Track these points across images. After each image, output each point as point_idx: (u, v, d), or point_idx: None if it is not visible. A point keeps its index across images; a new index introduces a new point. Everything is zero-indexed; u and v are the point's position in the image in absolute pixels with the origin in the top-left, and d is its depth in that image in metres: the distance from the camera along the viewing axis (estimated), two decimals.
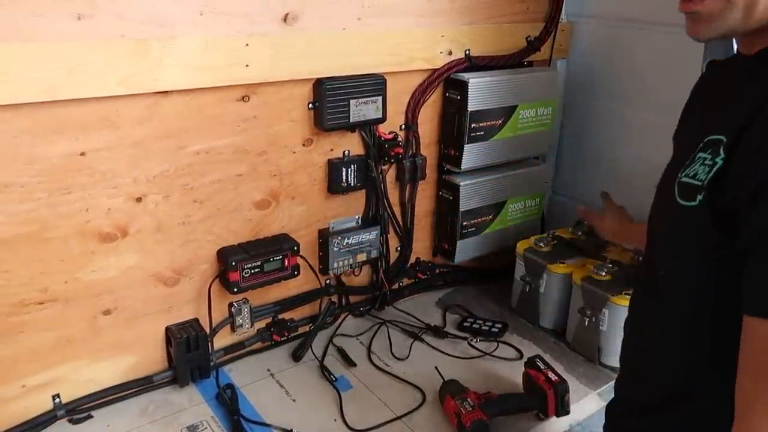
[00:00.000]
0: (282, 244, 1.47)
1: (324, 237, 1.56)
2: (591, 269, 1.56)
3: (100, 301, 1.30)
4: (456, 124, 1.64)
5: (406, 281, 1.82)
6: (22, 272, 1.19)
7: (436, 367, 1.46)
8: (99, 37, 1.13)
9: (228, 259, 1.39)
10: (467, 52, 1.63)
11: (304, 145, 1.48)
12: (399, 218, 1.72)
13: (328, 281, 1.64)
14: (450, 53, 1.61)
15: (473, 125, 1.63)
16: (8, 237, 1.16)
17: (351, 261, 1.62)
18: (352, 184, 1.56)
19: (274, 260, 1.44)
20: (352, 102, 1.45)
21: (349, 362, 1.52)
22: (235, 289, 1.41)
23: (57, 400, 1.30)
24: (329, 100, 1.42)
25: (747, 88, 0.83)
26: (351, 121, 1.47)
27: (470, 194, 1.72)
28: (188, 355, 1.39)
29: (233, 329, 1.50)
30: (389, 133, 1.59)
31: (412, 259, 1.80)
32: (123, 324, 1.35)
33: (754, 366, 0.75)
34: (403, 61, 1.53)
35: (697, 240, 0.83)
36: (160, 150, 1.28)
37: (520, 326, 1.69)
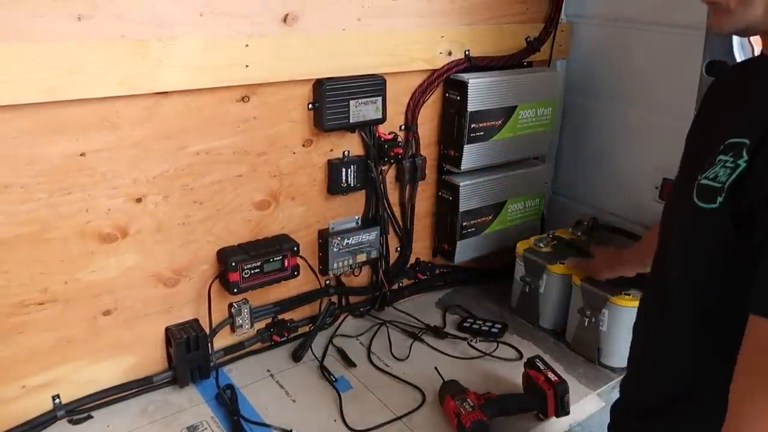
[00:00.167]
0: (282, 245, 1.47)
1: (324, 237, 1.56)
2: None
3: (100, 302, 1.30)
4: (456, 125, 1.64)
5: (405, 282, 1.82)
6: (22, 273, 1.19)
7: (435, 368, 1.46)
8: (99, 38, 1.13)
9: (228, 259, 1.39)
10: (467, 52, 1.64)
11: (304, 145, 1.48)
12: (399, 219, 1.72)
13: (327, 282, 1.64)
14: (450, 54, 1.61)
15: (473, 126, 1.63)
16: (8, 237, 1.16)
17: (351, 261, 1.62)
18: (352, 185, 1.56)
19: (273, 261, 1.44)
20: (351, 102, 1.45)
21: (349, 363, 1.52)
22: (235, 290, 1.41)
23: (57, 400, 1.30)
24: (329, 101, 1.42)
25: None
26: (351, 121, 1.47)
27: (470, 194, 1.72)
28: (188, 356, 1.39)
29: (233, 330, 1.50)
30: (389, 134, 1.59)
31: (412, 260, 1.80)
32: (123, 324, 1.35)
33: (749, 364, 0.75)
34: (402, 62, 1.53)
35: (713, 242, 0.83)
36: (160, 150, 1.28)
37: (519, 326, 1.69)
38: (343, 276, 1.66)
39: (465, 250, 1.78)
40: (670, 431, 0.95)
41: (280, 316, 1.57)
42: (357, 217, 1.63)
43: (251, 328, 1.52)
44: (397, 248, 1.75)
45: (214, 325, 1.44)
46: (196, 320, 1.44)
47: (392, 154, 1.59)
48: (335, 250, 1.57)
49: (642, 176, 1.73)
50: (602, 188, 1.86)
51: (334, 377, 1.46)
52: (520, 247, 1.73)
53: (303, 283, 1.57)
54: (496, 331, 1.64)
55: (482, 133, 1.66)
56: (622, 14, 1.72)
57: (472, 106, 1.61)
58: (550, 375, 1.32)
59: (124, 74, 1.16)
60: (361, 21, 1.44)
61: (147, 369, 1.41)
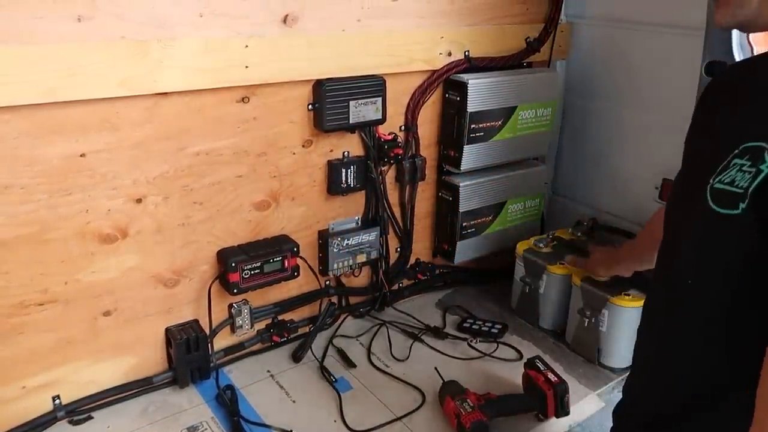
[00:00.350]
0: (282, 245, 1.47)
1: (324, 238, 1.56)
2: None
3: (100, 303, 1.30)
4: (455, 125, 1.64)
5: (405, 282, 1.82)
6: (22, 273, 1.19)
7: (435, 368, 1.46)
8: (99, 39, 1.13)
9: (228, 260, 1.39)
10: (467, 53, 1.64)
11: (303, 146, 1.48)
12: (399, 219, 1.72)
13: (327, 282, 1.64)
14: (449, 54, 1.61)
15: (473, 126, 1.63)
16: (8, 238, 1.16)
17: (351, 262, 1.62)
18: (352, 185, 1.56)
19: (273, 261, 1.44)
20: (351, 103, 1.45)
21: (349, 363, 1.52)
22: (235, 290, 1.41)
23: (57, 401, 1.30)
24: (329, 101, 1.42)
25: None
26: (351, 122, 1.47)
27: (470, 195, 1.72)
28: (188, 356, 1.39)
29: (233, 330, 1.50)
30: (389, 134, 1.59)
31: (412, 260, 1.80)
32: (123, 325, 1.35)
33: None
34: (402, 62, 1.53)
35: (734, 247, 0.81)
36: (160, 151, 1.28)
37: (519, 327, 1.69)
38: (343, 276, 1.67)
39: (465, 251, 1.78)
40: None
41: (280, 317, 1.57)
42: (357, 218, 1.63)
43: (251, 328, 1.52)
44: (397, 249, 1.75)
45: (214, 326, 1.44)
46: (196, 321, 1.44)
47: (392, 154, 1.59)
48: (335, 250, 1.57)
49: (642, 177, 1.73)
50: (602, 189, 1.86)
51: (334, 378, 1.46)
52: (520, 247, 1.73)
53: (303, 283, 1.58)
54: (496, 331, 1.64)
55: (482, 133, 1.66)
56: (621, 15, 1.73)
57: (471, 107, 1.61)
58: (550, 375, 1.33)
59: (124, 75, 1.16)
60: (360, 22, 1.44)
61: (147, 370, 1.41)
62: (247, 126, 1.38)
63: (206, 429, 1.30)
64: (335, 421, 1.34)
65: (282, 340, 1.56)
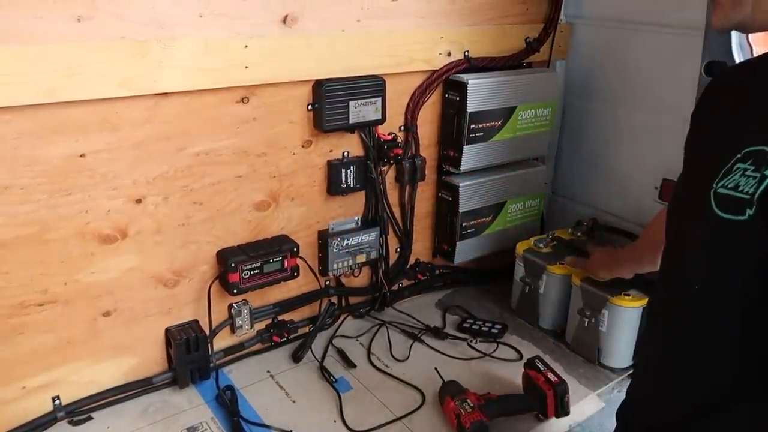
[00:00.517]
0: (281, 246, 1.47)
1: (323, 238, 1.56)
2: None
3: (99, 303, 1.30)
4: (455, 125, 1.64)
5: (405, 282, 1.82)
6: (22, 274, 1.19)
7: (435, 368, 1.46)
8: (99, 39, 1.13)
9: (228, 260, 1.39)
10: (466, 53, 1.64)
11: (303, 146, 1.48)
12: (398, 219, 1.72)
13: (327, 282, 1.64)
14: (449, 54, 1.61)
15: (472, 126, 1.63)
16: (8, 238, 1.16)
17: (350, 262, 1.62)
18: (352, 186, 1.56)
19: (273, 261, 1.44)
20: (351, 103, 1.45)
21: (349, 363, 1.52)
22: (235, 291, 1.41)
23: (57, 401, 1.30)
24: (329, 102, 1.42)
25: None
26: (350, 122, 1.47)
27: (470, 195, 1.72)
28: (188, 357, 1.39)
29: (233, 330, 1.50)
30: (388, 135, 1.59)
31: (412, 260, 1.80)
32: (123, 325, 1.35)
33: None
34: (402, 63, 1.53)
35: (743, 253, 0.80)
36: (160, 151, 1.28)
37: (519, 327, 1.69)
38: (342, 277, 1.67)
39: (465, 251, 1.78)
40: None
41: (280, 317, 1.57)
42: (357, 218, 1.63)
43: (251, 328, 1.52)
44: (396, 249, 1.75)
45: (214, 326, 1.44)
46: (195, 321, 1.44)
47: (392, 154, 1.59)
48: (335, 250, 1.57)
49: (641, 177, 1.73)
50: (602, 189, 1.86)
51: (333, 378, 1.46)
52: (520, 247, 1.73)
53: (303, 283, 1.57)
54: (495, 331, 1.64)
55: (482, 133, 1.66)
56: (621, 15, 1.73)
57: (471, 107, 1.61)
58: (550, 375, 1.33)
59: (124, 75, 1.16)
60: (360, 22, 1.45)
61: (147, 370, 1.41)
62: (246, 126, 1.38)
63: (206, 429, 1.30)
64: (335, 421, 1.34)
65: (282, 340, 1.56)
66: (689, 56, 1.51)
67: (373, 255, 1.65)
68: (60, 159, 1.17)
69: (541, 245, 1.71)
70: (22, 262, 1.19)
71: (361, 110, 1.47)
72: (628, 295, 1.46)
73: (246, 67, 1.29)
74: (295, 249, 1.48)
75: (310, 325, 1.61)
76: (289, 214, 1.52)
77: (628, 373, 1.50)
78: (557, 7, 1.76)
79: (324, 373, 1.48)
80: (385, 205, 1.65)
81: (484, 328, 1.65)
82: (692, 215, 0.89)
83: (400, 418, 1.34)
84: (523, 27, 1.74)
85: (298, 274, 1.51)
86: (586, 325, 1.53)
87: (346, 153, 1.54)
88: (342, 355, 1.55)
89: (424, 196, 1.75)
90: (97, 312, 1.31)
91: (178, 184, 1.33)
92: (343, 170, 1.53)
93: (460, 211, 1.71)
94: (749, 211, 0.77)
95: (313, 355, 1.55)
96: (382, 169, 1.62)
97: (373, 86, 1.48)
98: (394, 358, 1.55)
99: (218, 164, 1.36)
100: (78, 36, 1.11)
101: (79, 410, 1.32)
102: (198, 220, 1.38)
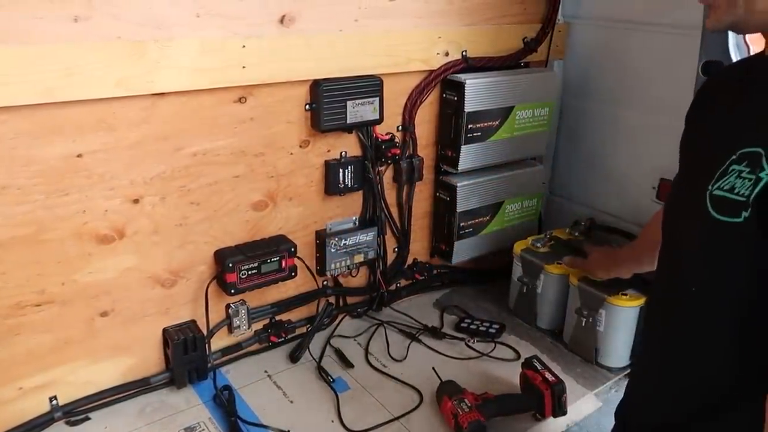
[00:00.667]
0: (279, 246, 1.47)
1: (321, 238, 1.56)
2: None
3: (97, 303, 1.30)
4: (453, 125, 1.64)
5: (403, 282, 1.82)
6: (19, 274, 1.19)
7: (433, 368, 1.47)
8: (96, 39, 1.13)
9: (225, 260, 1.39)
10: (464, 53, 1.64)
11: (301, 146, 1.48)
12: (396, 219, 1.72)
13: (325, 282, 1.64)
14: (447, 54, 1.61)
15: (470, 126, 1.63)
16: (5, 239, 1.16)
17: (348, 262, 1.62)
18: (350, 186, 1.56)
19: (271, 262, 1.44)
20: (349, 103, 1.45)
21: (347, 363, 1.52)
22: (233, 291, 1.41)
23: (54, 401, 1.30)
24: (326, 102, 1.42)
25: None
26: (348, 122, 1.47)
27: (467, 195, 1.72)
28: (185, 357, 1.39)
29: (230, 331, 1.50)
30: (386, 134, 1.59)
31: (410, 260, 1.80)
32: (120, 326, 1.35)
33: None
34: (400, 63, 1.53)
35: (740, 255, 0.81)
36: (157, 152, 1.28)
37: (517, 327, 1.69)
38: (340, 277, 1.66)
39: (462, 251, 1.78)
40: None
41: (277, 317, 1.57)
42: (354, 218, 1.63)
43: (249, 329, 1.52)
44: (394, 249, 1.75)
45: (211, 326, 1.44)
46: (193, 321, 1.44)
47: (389, 154, 1.59)
48: (333, 250, 1.57)
49: (639, 176, 1.73)
50: (599, 188, 1.86)
51: (331, 378, 1.46)
52: (518, 247, 1.73)
53: (300, 283, 1.57)
54: (493, 331, 1.64)
55: (479, 133, 1.66)
56: (618, 15, 1.73)
57: (469, 107, 1.61)
58: (548, 375, 1.33)
59: (120, 75, 1.16)
60: (358, 22, 1.44)
61: (144, 370, 1.41)
62: (244, 126, 1.37)
63: (204, 429, 1.30)
64: (333, 421, 1.34)
65: (279, 340, 1.56)
66: (686, 56, 1.52)
67: (371, 255, 1.65)
68: (57, 159, 1.17)
69: (538, 245, 1.72)
70: (19, 263, 1.18)
71: (359, 110, 1.47)
72: (626, 294, 1.46)
73: (243, 67, 1.29)
74: (292, 249, 1.48)
75: (308, 325, 1.61)
76: (287, 214, 1.51)
77: (626, 372, 1.50)
78: (555, 7, 1.76)
79: (322, 373, 1.48)
80: (383, 205, 1.65)
81: (481, 328, 1.65)
82: (688, 217, 0.89)
83: (397, 418, 1.34)
84: (521, 27, 1.74)
85: (296, 274, 1.51)
86: (583, 324, 1.53)
87: (343, 153, 1.54)
88: (340, 355, 1.55)
89: (422, 195, 1.75)
90: (95, 312, 1.31)
91: (176, 184, 1.32)
92: (341, 170, 1.53)
93: (458, 210, 1.71)
94: (745, 214, 0.77)
95: (311, 355, 1.55)
96: (380, 169, 1.62)
97: (370, 86, 1.48)
98: (392, 358, 1.55)
99: (216, 164, 1.36)
100: (75, 36, 1.11)
101: (77, 410, 1.32)
102: (195, 220, 1.37)
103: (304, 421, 1.33)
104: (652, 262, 1.10)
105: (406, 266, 1.79)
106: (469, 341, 1.61)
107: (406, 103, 1.62)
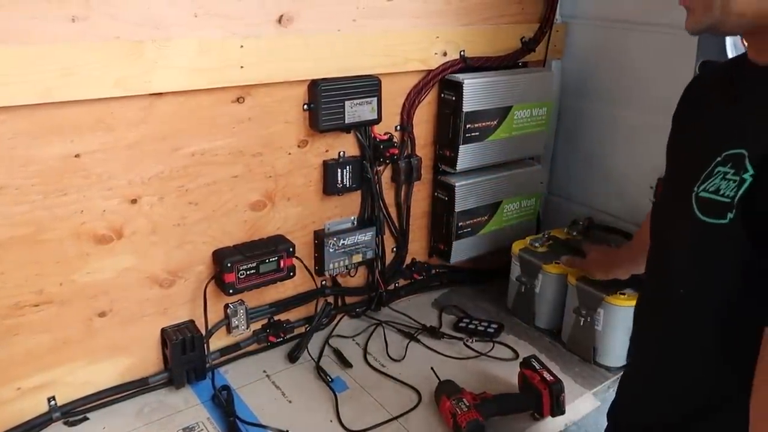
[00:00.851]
0: (277, 246, 1.47)
1: (319, 238, 1.56)
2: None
3: (95, 303, 1.30)
4: (451, 125, 1.64)
5: (401, 282, 1.82)
6: (17, 274, 1.19)
7: (431, 368, 1.47)
8: (94, 39, 1.13)
9: (223, 260, 1.39)
10: (462, 53, 1.64)
11: (299, 146, 1.48)
12: (395, 219, 1.72)
13: (323, 282, 1.64)
14: (445, 54, 1.61)
15: (468, 126, 1.63)
16: (3, 239, 1.16)
17: (347, 262, 1.62)
18: (348, 185, 1.56)
19: (269, 262, 1.44)
20: (347, 103, 1.45)
21: (345, 363, 1.52)
22: (231, 291, 1.41)
23: (52, 402, 1.29)
24: (324, 102, 1.42)
25: (767, 101, 0.81)
26: (346, 122, 1.47)
27: (466, 195, 1.72)
28: (184, 357, 1.39)
29: (229, 331, 1.50)
30: (384, 134, 1.59)
31: (408, 260, 1.80)
32: (118, 326, 1.34)
33: None
34: (398, 62, 1.53)
35: (726, 257, 0.80)
36: (155, 152, 1.28)
37: (515, 326, 1.70)
38: (339, 276, 1.67)
39: (461, 251, 1.78)
40: None
41: (276, 317, 1.57)
42: (353, 218, 1.63)
43: (247, 329, 1.51)
44: (393, 249, 1.75)
45: (210, 327, 1.44)
46: (191, 321, 1.44)
47: (388, 154, 1.59)
48: (331, 250, 1.57)
49: (637, 176, 1.73)
50: (597, 188, 1.87)
51: (330, 378, 1.46)
52: (516, 247, 1.73)
53: (299, 283, 1.57)
54: (492, 331, 1.64)
55: (477, 133, 1.66)
56: (616, 15, 1.73)
57: (467, 107, 1.61)
58: (546, 375, 1.33)
59: (118, 75, 1.16)
60: (356, 22, 1.45)
61: (143, 370, 1.41)
62: (242, 126, 1.37)
63: (202, 429, 1.30)
64: (331, 421, 1.34)
65: (278, 340, 1.56)
66: (684, 56, 1.52)
67: (370, 255, 1.65)
68: (55, 159, 1.17)
69: (537, 245, 1.72)
70: (17, 263, 1.18)
71: (357, 110, 1.48)
72: (624, 294, 1.46)
73: (241, 67, 1.29)
74: (291, 249, 1.48)
75: (307, 325, 1.61)
76: (285, 214, 1.51)
77: (622, 373, 1.50)
78: (553, 6, 1.76)
79: (320, 372, 1.48)
80: (381, 204, 1.66)
81: (480, 328, 1.66)
82: (676, 218, 0.89)
83: (396, 418, 1.34)
84: (519, 27, 1.74)
85: (294, 274, 1.51)
86: (581, 324, 1.53)
87: (342, 153, 1.54)
88: (338, 354, 1.55)
89: (420, 195, 1.76)
90: (93, 312, 1.30)
91: (174, 184, 1.32)
92: (339, 170, 1.53)
93: (456, 210, 1.71)
94: (730, 215, 0.77)
95: (310, 355, 1.55)
96: (378, 168, 1.62)
97: (368, 86, 1.48)
98: (391, 358, 1.55)
99: (214, 164, 1.36)
100: (73, 36, 1.11)
101: (75, 411, 1.32)
102: (194, 220, 1.37)
103: (302, 421, 1.33)
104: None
105: (404, 266, 1.79)
106: (467, 341, 1.61)
107: (404, 103, 1.62)
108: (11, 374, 1.24)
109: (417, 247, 1.81)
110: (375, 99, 1.49)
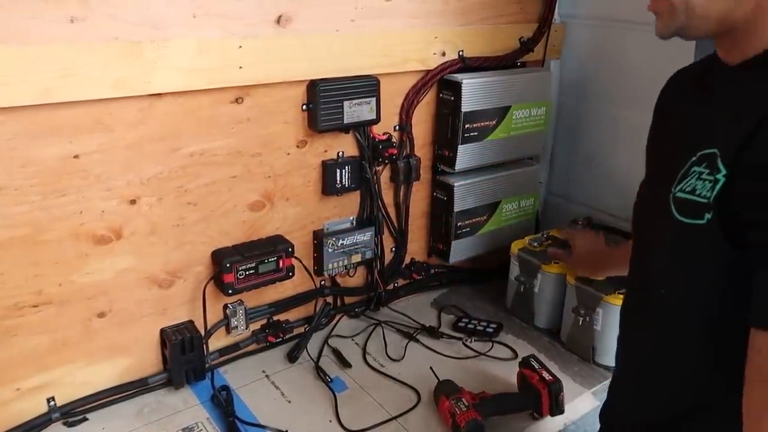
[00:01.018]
0: (276, 246, 1.47)
1: (318, 238, 1.57)
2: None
3: (94, 304, 1.30)
4: (450, 125, 1.64)
5: (401, 282, 1.82)
6: (16, 275, 1.19)
7: (431, 368, 1.47)
8: (93, 40, 1.13)
9: (222, 260, 1.39)
10: (461, 53, 1.64)
11: (298, 146, 1.48)
12: (393, 219, 1.72)
13: (323, 282, 1.64)
14: (443, 54, 1.61)
15: (467, 126, 1.63)
16: (2, 239, 1.16)
17: (346, 262, 1.62)
18: (347, 186, 1.56)
19: (268, 262, 1.44)
20: (345, 103, 1.45)
21: (345, 363, 1.52)
22: (230, 291, 1.41)
23: (52, 402, 1.29)
24: (323, 102, 1.42)
25: (735, 101, 0.81)
26: (345, 122, 1.47)
27: (464, 195, 1.72)
28: (183, 357, 1.39)
29: (228, 331, 1.50)
30: (383, 134, 1.59)
31: (407, 260, 1.80)
32: (117, 326, 1.34)
33: (763, 375, 0.73)
34: (396, 63, 1.53)
35: (706, 257, 0.81)
36: (154, 152, 1.28)
37: (514, 326, 1.70)
38: (338, 276, 1.67)
39: (460, 250, 1.78)
40: None
41: (275, 317, 1.57)
42: (352, 218, 1.63)
43: (246, 329, 1.52)
44: (392, 248, 1.75)
45: (209, 327, 1.44)
46: (191, 322, 1.44)
47: (386, 154, 1.59)
48: (330, 250, 1.58)
49: (635, 175, 1.71)
50: (596, 188, 1.87)
51: (329, 378, 1.46)
52: (515, 246, 1.73)
53: (298, 283, 1.57)
54: (491, 330, 1.64)
55: (476, 133, 1.66)
56: (615, 14, 1.73)
57: (466, 107, 1.61)
58: (545, 374, 1.33)
59: (117, 76, 1.16)
60: (354, 22, 1.45)
61: (142, 371, 1.41)
62: (241, 126, 1.38)
63: (201, 430, 1.30)
64: (330, 421, 1.34)
65: (277, 340, 1.56)
66: (682, 55, 1.52)
67: (369, 255, 1.65)
68: (54, 160, 1.17)
69: (535, 244, 1.72)
70: (16, 264, 1.18)
71: (356, 110, 1.48)
72: (623, 293, 1.46)
73: (240, 67, 1.29)
74: (290, 249, 1.48)
75: (306, 325, 1.61)
76: (284, 215, 1.52)
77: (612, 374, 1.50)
78: (551, 6, 1.76)
79: (319, 373, 1.48)
80: (380, 204, 1.66)
81: (479, 328, 1.66)
82: (655, 219, 0.90)
83: (395, 418, 1.34)
84: (518, 26, 1.74)
85: (293, 275, 1.51)
86: (580, 323, 1.54)
87: (340, 153, 1.55)
88: (337, 354, 1.55)
89: (419, 195, 1.76)
90: (92, 313, 1.30)
91: (173, 184, 1.32)
92: (338, 170, 1.53)
93: (455, 210, 1.72)
94: (707, 215, 0.77)
95: (309, 355, 1.55)
96: (377, 168, 1.62)
97: (367, 86, 1.48)
98: (390, 358, 1.55)
99: (212, 165, 1.36)
100: (71, 37, 1.11)
101: (74, 411, 1.32)
102: (192, 220, 1.38)
103: (302, 421, 1.33)
104: None
105: (403, 266, 1.79)
106: (466, 341, 1.61)
107: (403, 103, 1.62)
108: (10, 375, 1.24)
109: (416, 247, 1.81)
110: (374, 99, 1.50)
